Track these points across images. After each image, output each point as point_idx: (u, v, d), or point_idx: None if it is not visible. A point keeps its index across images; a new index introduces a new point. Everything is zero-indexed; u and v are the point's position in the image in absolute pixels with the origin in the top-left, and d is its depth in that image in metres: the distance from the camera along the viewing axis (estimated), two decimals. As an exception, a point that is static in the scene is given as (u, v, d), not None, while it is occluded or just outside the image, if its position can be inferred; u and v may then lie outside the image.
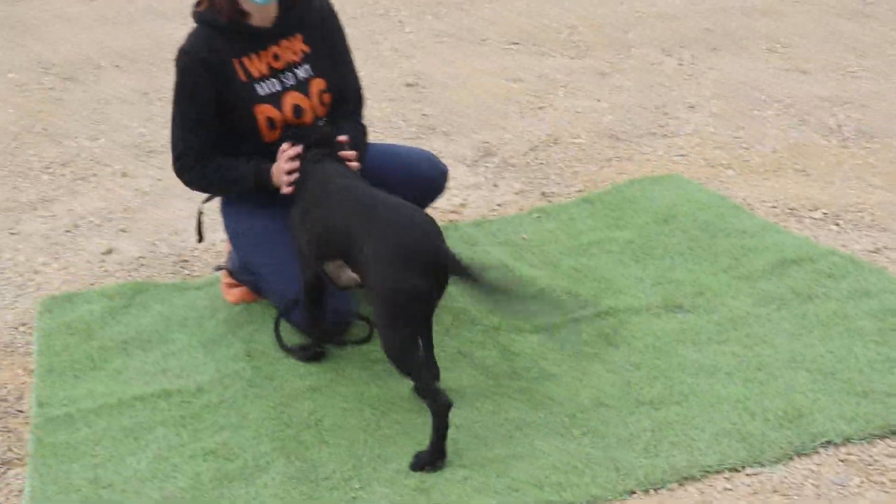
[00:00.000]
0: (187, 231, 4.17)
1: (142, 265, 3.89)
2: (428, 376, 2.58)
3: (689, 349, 2.94)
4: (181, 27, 8.03)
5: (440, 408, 2.50)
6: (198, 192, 3.34)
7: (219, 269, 3.49)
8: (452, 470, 2.48)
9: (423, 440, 2.60)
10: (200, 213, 3.45)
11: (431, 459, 2.52)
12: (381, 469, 2.52)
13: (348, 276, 2.80)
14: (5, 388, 3.10)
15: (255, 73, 3.15)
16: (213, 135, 3.15)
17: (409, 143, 4.55)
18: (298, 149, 3.02)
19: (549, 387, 2.79)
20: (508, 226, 3.86)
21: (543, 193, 4.18)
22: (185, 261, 3.89)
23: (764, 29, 6.46)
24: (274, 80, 3.16)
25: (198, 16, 3.17)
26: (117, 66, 7.06)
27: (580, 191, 4.16)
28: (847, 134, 4.54)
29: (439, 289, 2.59)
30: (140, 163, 5.08)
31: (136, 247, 4.07)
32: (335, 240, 2.74)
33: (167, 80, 6.57)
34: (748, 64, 5.72)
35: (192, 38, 3.16)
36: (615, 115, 5.01)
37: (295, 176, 3.01)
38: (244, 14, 3.11)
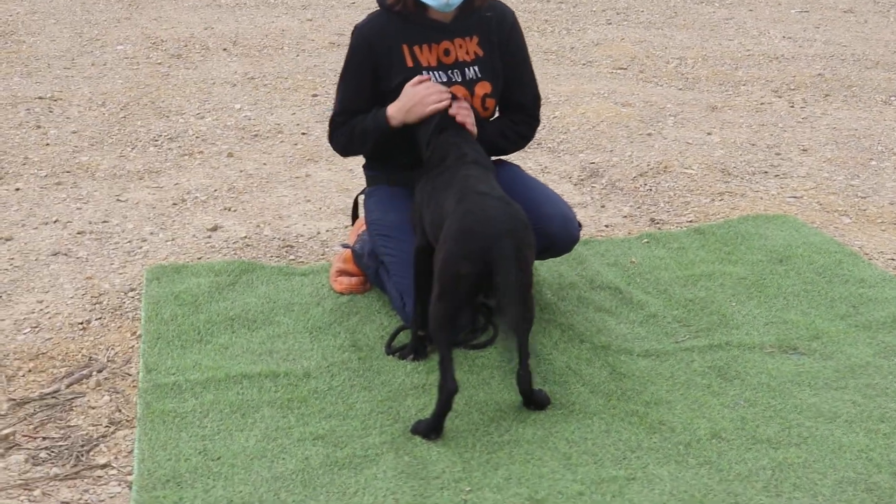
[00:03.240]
0: (291, 217, 4.18)
1: (247, 245, 3.90)
2: (449, 357, 2.59)
3: (805, 392, 2.86)
4: (284, 16, 8.14)
5: (446, 390, 2.57)
6: (341, 153, 3.35)
7: (345, 246, 3.48)
8: (565, 484, 2.43)
9: (534, 452, 2.56)
10: (357, 198, 3.57)
11: (426, 431, 2.62)
12: (490, 475, 2.48)
13: None
14: (113, 349, 3.12)
15: (423, 62, 3.16)
16: (368, 106, 3.18)
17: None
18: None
19: (663, 413, 2.74)
20: (617, 248, 3.81)
21: (653, 220, 4.13)
22: (290, 246, 3.90)
23: (877, 79, 6.35)
24: (441, 72, 3.16)
25: (380, 1, 3.22)
26: (224, 49, 7.14)
27: (691, 221, 4.10)
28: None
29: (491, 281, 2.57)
30: (245, 145, 5.11)
31: (242, 227, 4.08)
32: (441, 223, 2.73)
33: (271, 66, 6.67)
34: (862, 114, 5.61)
35: (370, 18, 3.22)
36: (726, 150, 4.94)
37: (438, 97, 3.01)
38: (425, 7, 3.13)
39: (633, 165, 4.74)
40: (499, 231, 2.55)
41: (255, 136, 5.25)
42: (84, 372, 2.98)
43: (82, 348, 3.12)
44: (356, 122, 3.18)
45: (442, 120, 2.99)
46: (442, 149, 2.94)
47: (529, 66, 3.39)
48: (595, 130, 5.27)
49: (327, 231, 4.06)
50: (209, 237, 3.97)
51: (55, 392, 2.89)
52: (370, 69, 3.17)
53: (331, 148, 3.34)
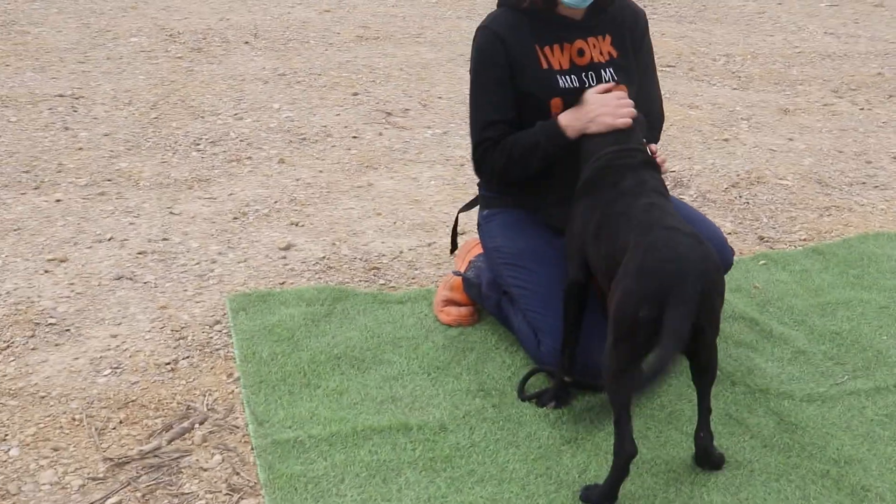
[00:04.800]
0: (366, 233, 3.83)
1: (329, 267, 3.53)
2: (627, 415, 2.25)
3: None
4: (299, 6, 7.73)
5: (624, 454, 2.25)
6: (496, 181, 2.94)
7: (456, 273, 3.12)
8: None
9: (732, 525, 2.24)
10: (456, 221, 3.18)
11: (599, 499, 2.29)
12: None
13: None
14: (211, 395, 2.75)
15: (556, 66, 2.82)
16: (514, 114, 2.82)
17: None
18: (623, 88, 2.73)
19: (859, 475, 2.42)
20: (734, 270, 3.49)
21: (761, 238, 3.81)
22: (376, 268, 3.54)
23: (941, 80, 6.09)
24: (574, 76, 2.82)
25: None
26: (246, 42, 6.74)
27: (804, 240, 3.79)
28: None
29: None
30: (294, 149, 4.74)
31: (316, 245, 3.72)
32: (620, 259, 2.38)
33: (300, 62, 6.28)
34: (937, 116, 5.34)
35: (495, 16, 2.86)
36: (815, 158, 4.64)
37: (631, 112, 2.67)
38: (555, 3, 2.78)
39: (719, 175, 4.42)
40: (685, 271, 2.20)
41: (303, 139, 4.87)
42: (185, 424, 2.61)
43: (175, 394, 2.75)
44: (512, 139, 2.81)
45: (618, 138, 2.65)
46: (617, 171, 2.58)
47: (657, 76, 3.07)
48: (665, 135, 4.94)
49: (410, 250, 3.71)
50: (284, 257, 3.60)
51: (156, 449, 2.52)
52: (507, 71, 2.81)
53: (476, 173, 2.95)
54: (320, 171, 4.47)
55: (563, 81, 2.83)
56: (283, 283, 3.39)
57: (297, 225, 3.89)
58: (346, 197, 4.22)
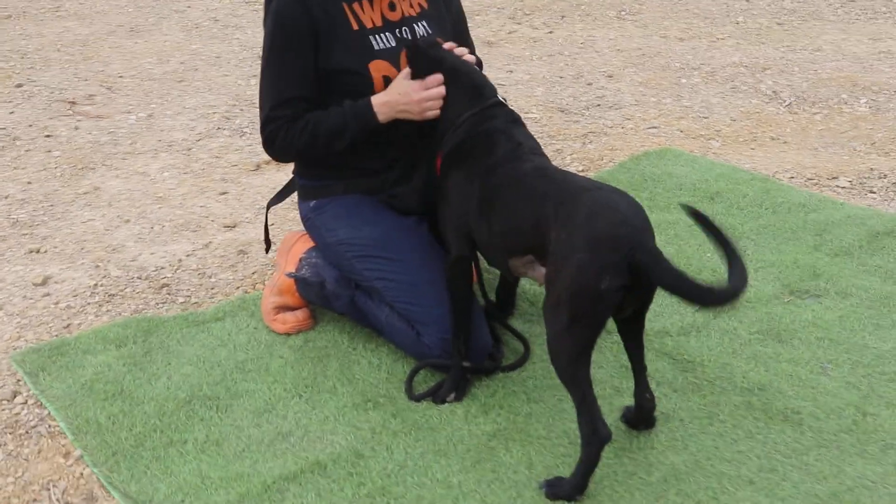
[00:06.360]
0: (127, 246, 3.32)
1: (111, 295, 3.00)
2: (592, 397, 2.10)
3: (871, 338, 2.68)
4: None
5: (595, 440, 2.06)
6: (290, 158, 2.63)
7: (290, 276, 2.74)
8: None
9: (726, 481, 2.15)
10: (267, 215, 2.80)
11: (571, 493, 2.10)
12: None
13: (539, 273, 2.25)
14: (56, 486, 2.21)
15: (368, 24, 2.51)
16: (314, 93, 2.49)
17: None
18: (440, 77, 2.43)
19: (777, 398, 2.42)
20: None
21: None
22: (165, 285, 3.05)
23: None
24: (388, 34, 2.53)
25: None
26: None
27: (582, 170, 3.76)
28: None
29: (634, 293, 2.10)
30: (-17, 162, 4.00)
31: (77, 271, 3.15)
32: (527, 231, 2.18)
33: None
34: None
35: None
36: (543, 87, 4.65)
37: (438, 105, 2.41)
38: None
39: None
40: (638, 228, 2.05)
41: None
42: (46, 532, 2.08)
43: (9, 497, 2.18)
44: (315, 117, 2.47)
45: (472, 98, 2.39)
46: (487, 137, 2.34)
47: (467, 27, 2.86)
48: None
49: (188, 256, 3.24)
50: (47, 294, 3.00)
51: (25, 575, 1.98)
52: (309, 38, 2.47)
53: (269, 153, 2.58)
54: (28, 183, 3.80)
55: (378, 42, 2.54)
56: (67, 325, 2.83)
57: (38, 252, 3.27)
58: (76, 207, 3.62)
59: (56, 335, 2.76)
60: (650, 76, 4.77)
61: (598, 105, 4.41)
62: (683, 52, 5.13)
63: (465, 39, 2.78)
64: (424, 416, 2.40)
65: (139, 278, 3.09)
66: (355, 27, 2.52)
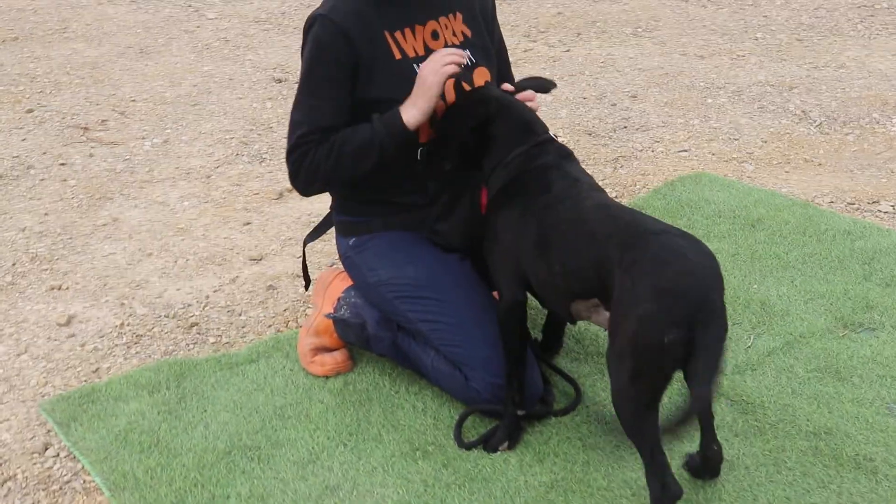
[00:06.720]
0: (151, 282, 3.21)
1: (139, 336, 2.89)
2: (662, 453, 1.99)
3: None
4: None
5: (666, 497, 1.96)
6: (317, 187, 2.44)
7: (330, 317, 2.63)
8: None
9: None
10: (305, 252, 2.69)
11: None
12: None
13: (605, 317, 2.14)
14: (95, 549, 2.10)
15: (410, 53, 2.41)
16: (347, 120, 2.37)
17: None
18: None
19: (845, 443, 2.31)
20: None
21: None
22: (195, 324, 2.94)
23: None
24: None
25: None
26: None
27: (617, 197, 3.66)
28: None
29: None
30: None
31: (102, 310, 3.04)
32: (590, 273, 2.08)
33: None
34: None
35: (335, 1, 2.37)
36: (567, 109, 4.54)
37: (454, 60, 2.31)
38: None
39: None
40: (706, 281, 1.94)
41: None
42: None
43: (46, 561, 2.07)
44: (342, 136, 2.34)
45: (523, 133, 2.30)
46: (540, 173, 2.24)
47: (508, 56, 2.77)
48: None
49: (215, 292, 3.13)
50: (72, 335, 2.89)
51: None
52: (349, 69, 2.36)
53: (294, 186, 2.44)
54: (45, 215, 3.69)
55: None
56: (96, 370, 2.71)
57: (59, 288, 3.16)
58: (96, 240, 3.51)
59: (85, 380, 2.65)
60: (675, 96, 4.67)
61: (625, 127, 4.31)
62: (706, 71, 5.03)
63: (506, 70, 2.69)
64: (477, 466, 2.29)
65: (166, 316, 2.98)
66: (398, 56, 2.42)
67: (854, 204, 3.57)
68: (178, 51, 5.69)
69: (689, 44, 5.58)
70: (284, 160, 2.42)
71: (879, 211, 3.52)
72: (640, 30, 5.91)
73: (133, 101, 4.87)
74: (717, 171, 3.85)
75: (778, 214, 3.42)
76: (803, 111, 4.45)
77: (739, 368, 2.63)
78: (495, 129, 2.33)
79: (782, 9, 6.20)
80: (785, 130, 4.26)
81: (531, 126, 2.35)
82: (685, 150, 4.05)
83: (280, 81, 5.04)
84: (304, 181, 2.39)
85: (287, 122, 2.43)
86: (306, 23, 2.41)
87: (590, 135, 4.23)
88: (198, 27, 6.20)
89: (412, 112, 2.32)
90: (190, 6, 6.68)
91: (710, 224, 3.39)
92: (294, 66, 5.29)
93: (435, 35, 2.49)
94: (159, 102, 4.83)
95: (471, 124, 2.32)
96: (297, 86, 2.42)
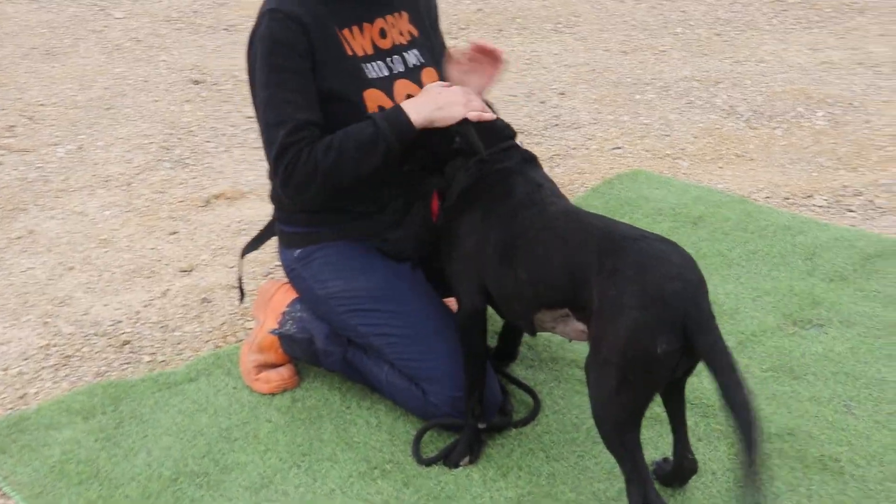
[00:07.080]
0: (76, 298, 3.04)
1: (67, 356, 2.72)
2: (644, 466, 1.93)
3: (886, 370, 2.58)
4: None
5: None
6: (313, 191, 2.24)
7: (275, 333, 2.50)
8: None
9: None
10: (240, 266, 2.54)
11: None
12: None
13: (574, 328, 2.07)
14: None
15: (360, 51, 2.30)
16: (322, 120, 2.24)
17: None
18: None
19: (808, 443, 2.28)
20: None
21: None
22: (126, 342, 2.79)
23: None
24: (380, 62, 2.33)
25: None
26: None
27: (554, 196, 3.61)
28: None
29: (691, 355, 1.94)
30: None
31: (23, 330, 2.86)
32: (562, 282, 2.00)
33: None
34: None
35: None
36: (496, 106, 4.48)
37: (482, 106, 2.21)
38: None
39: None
40: (696, 287, 1.88)
41: None
42: None
43: None
44: (341, 133, 2.20)
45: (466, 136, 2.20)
46: (501, 177, 2.16)
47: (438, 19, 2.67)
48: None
49: (145, 307, 2.98)
50: (-8, 360, 2.71)
51: None
52: (309, 59, 2.25)
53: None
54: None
55: (371, 70, 2.34)
56: (22, 396, 2.54)
57: (-25, 310, 2.97)
58: (11, 254, 3.31)
59: (11, 408, 2.48)
60: (604, 93, 4.65)
61: (556, 125, 4.27)
62: (632, 67, 5.02)
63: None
64: (439, 484, 2.20)
65: (95, 335, 2.82)
66: (349, 53, 2.31)
67: (790, 199, 3.58)
68: (86, 52, 5.46)
69: (611, 39, 5.57)
70: (272, 167, 2.24)
71: (814, 205, 3.53)
72: (560, 25, 5.89)
73: (42, 105, 4.65)
74: (653, 168, 3.82)
75: (718, 211, 3.41)
76: (731, 106, 4.47)
77: (696, 370, 2.59)
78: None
79: (699, 3, 6.24)
80: (714, 126, 4.26)
81: (499, 131, 2.27)
82: (619, 148, 4.01)
83: (198, 83, 4.86)
84: (300, 184, 2.21)
85: (260, 131, 2.28)
86: (254, 25, 2.29)
87: (522, 133, 4.17)
88: (105, 27, 5.96)
89: (419, 110, 2.19)
90: (95, 5, 6.43)
91: (651, 223, 3.35)
92: (211, 66, 5.12)
93: (382, 34, 2.39)
94: (70, 106, 4.62)
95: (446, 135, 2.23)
96: (255, 92, 2.29)
